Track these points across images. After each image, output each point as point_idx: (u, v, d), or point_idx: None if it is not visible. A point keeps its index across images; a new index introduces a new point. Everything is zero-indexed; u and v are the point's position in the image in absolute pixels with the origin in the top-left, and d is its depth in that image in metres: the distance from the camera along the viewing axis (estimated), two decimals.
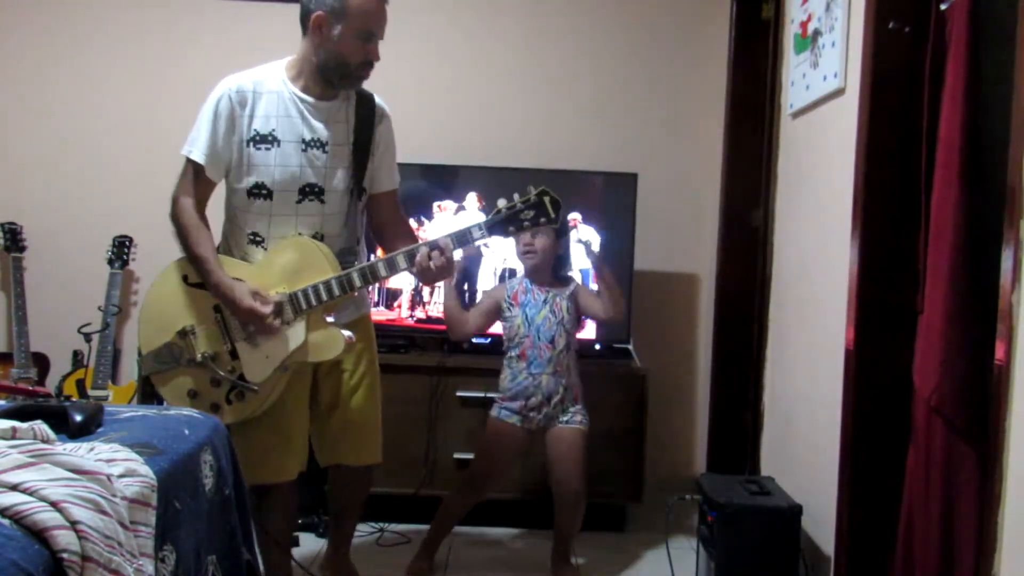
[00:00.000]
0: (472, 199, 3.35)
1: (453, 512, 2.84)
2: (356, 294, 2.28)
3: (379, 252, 2.58)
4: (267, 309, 2.16)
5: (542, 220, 2.20)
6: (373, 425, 2.46)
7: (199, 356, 2.21)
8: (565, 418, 2.75)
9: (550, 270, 2.81)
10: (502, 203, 2.21)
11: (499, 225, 2.19)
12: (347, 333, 2.23)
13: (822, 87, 2.56)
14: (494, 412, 2.79)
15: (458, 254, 2.28)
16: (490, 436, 2.81)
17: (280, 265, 2.23)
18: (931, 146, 2.04)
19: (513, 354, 2.77)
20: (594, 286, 3.00)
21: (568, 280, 2.86)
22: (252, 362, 2.20)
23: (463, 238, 2.21)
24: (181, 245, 2.26)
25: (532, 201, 2.19)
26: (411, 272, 2.26)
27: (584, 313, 2.87)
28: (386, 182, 2.42)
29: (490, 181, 3.34)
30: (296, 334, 2.19)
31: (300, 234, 2.26)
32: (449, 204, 3.38)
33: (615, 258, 3.34)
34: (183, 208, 2.25)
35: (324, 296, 2.18)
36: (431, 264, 2.18)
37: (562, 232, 2.80)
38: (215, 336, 2.23)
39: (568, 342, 2.75)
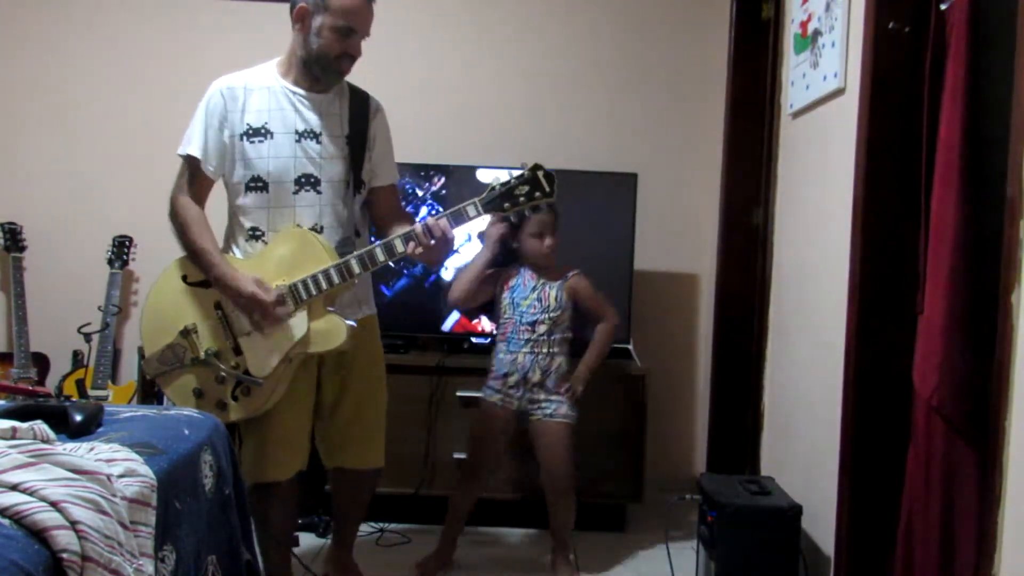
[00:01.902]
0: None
1: (459, 507, 2.85)
2: (355, 283, 2.27)
3: None
4: (270, 297, 2.16)
5: (537, 195, 2.20)
6: (377, 428, 2.46)
7: (202, 353, 2.21)
8: (550, 409, 2.75)
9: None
10: (495, 180, 2.22)
11: (494, 202, 2.20)
12: (350, 322, 2.23)
13: (822, 87, 2.55)
14: (482, 392, 2.84)
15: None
16: (479, 419, 2.86)
17: (277, 258, 2.23)
18: (931, 146, 2.03)
19: (498, 334, 2.83)
20: None
21: (565, 269, 2.83)
22: (256, 356, 2.20)
23: (459, 216, 2.21)
24: (181, 241, 2.26)
25: (526, 177, 2.20)
26: (410, 255, 2.20)
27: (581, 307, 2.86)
28: (386, 176, 2.43)
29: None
30: (298, 325, 2.19)
31: (298, 225, 2.26)
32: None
33: (615, 258, 3.34)
34: (182, 205, 2.26)
35: (324, 285, 2.18)
36: (430, 242, 2.17)
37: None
38: (217, 333, 2.23)
39: (550, 328, 2.75)
